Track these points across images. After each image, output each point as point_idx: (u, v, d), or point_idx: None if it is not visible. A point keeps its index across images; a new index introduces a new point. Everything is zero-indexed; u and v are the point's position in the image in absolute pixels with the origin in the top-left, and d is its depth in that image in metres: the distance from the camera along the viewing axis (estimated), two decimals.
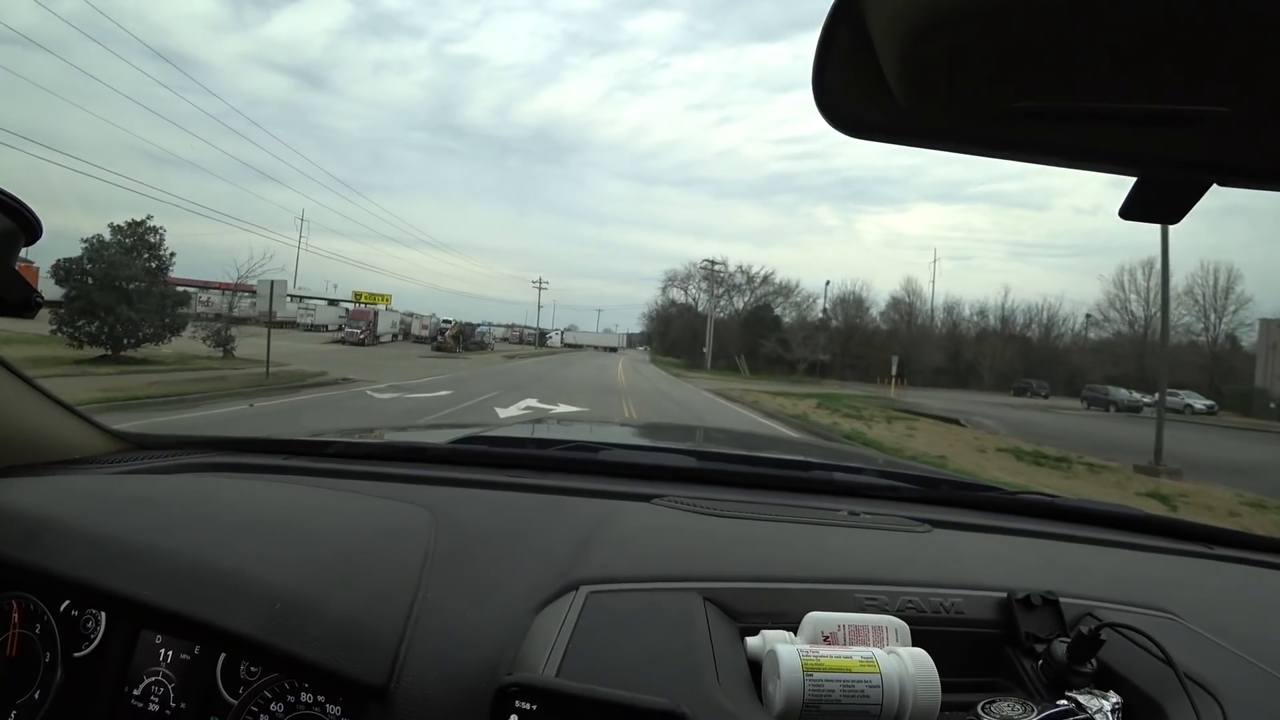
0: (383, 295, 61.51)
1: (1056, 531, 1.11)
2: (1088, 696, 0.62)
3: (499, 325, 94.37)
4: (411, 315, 59.60)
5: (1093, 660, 0.66)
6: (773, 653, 0.61)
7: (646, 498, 1.04)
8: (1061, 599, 0.75)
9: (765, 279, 57.53)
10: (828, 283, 49.83)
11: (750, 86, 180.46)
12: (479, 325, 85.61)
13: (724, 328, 58.73)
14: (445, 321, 53.78)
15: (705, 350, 47.67)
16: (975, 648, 0.72)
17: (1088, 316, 55.16)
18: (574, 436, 1.60)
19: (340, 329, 44.91)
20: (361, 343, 43.51)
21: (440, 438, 1.42)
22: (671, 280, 63.26)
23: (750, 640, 0.66)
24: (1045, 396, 42.62)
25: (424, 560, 0.79)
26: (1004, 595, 0.75)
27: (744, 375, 41.52)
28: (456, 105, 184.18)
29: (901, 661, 0.60)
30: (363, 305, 51.81)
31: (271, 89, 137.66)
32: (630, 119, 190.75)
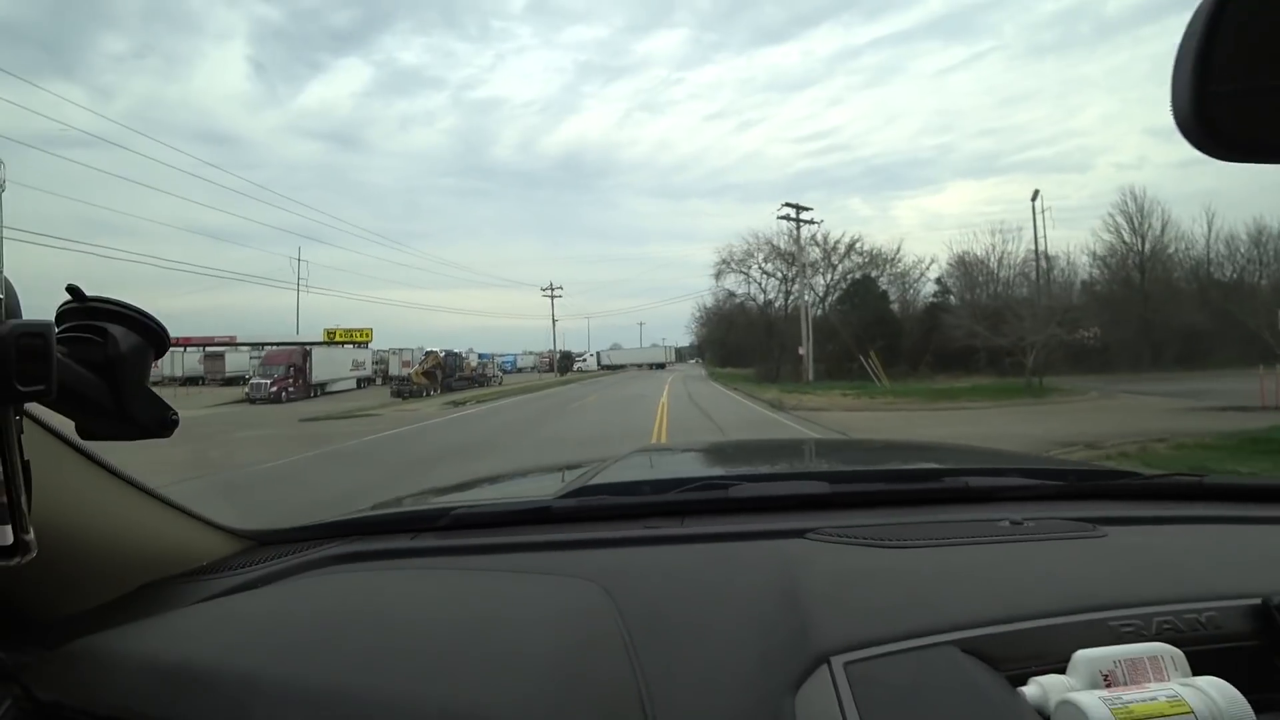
0: (361, 330, 48.22)
1: (1220, 514, 1.08)
2: None
3: (531, 353, 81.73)
4: (390, 352, 45.48)
5: None
6: (1070, 705, 0.56)
7: (799, 533, 0.98)
8: None
9: (852, 247, 40.63)
10: (1036, 194, 25.72)
11: (764, 89, 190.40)
12: (500, 356, 72.28)
13: (796, 324, 42.54)
14: (438, 354, 39.54)
15: (801, 351, 30.60)
16: (1243, 665, 0.67)
17: None
18: (690, 473, 1.53)
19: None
20: (276, 399, 29.39)
21: (544, 489, 1.39)
22: (727, 263, 44.99)
23: (1028, 691, 0.61)
24: None
25: (628, 649, 0.70)
26: (1258, 602, 0.71)
27: (883, 386, 24.79)
28: (482, 147, 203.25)
29: (1208, 697, 0.55)
30: (291, 345, 37.38)
31: (308, 154, 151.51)
32: (651, 137, 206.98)
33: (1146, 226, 38.20)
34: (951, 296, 41.69)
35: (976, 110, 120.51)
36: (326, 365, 35.96)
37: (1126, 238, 38.77)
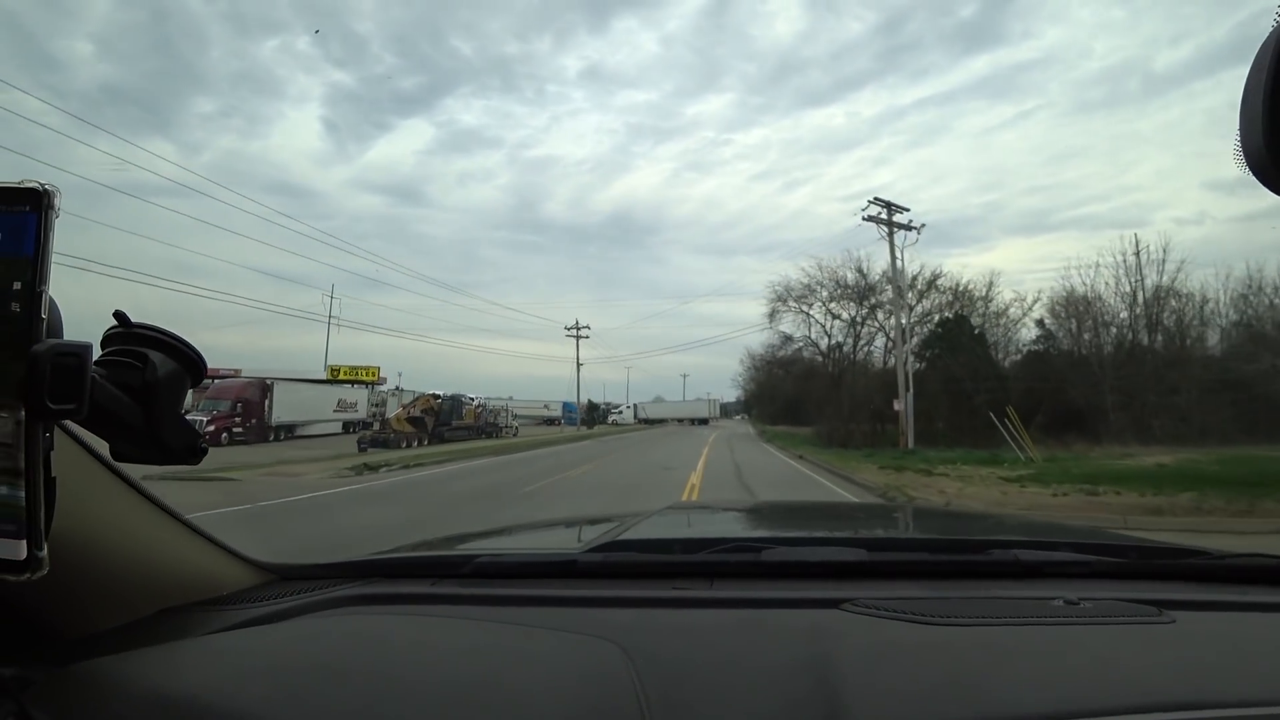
0: (367, 368, 42.84)
1: None
2: None
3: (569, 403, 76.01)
4: (391, 393, 39.71)
5: None
6: None
7: (834, 603, 0.93)
8: None
9: (933, 283, 33.06)
10: None
11: (811, 150, 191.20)
12: (509, 404, 66.27)
13: (867, 373, 34.90)
14: (435, 397, 33.55)
15: (898, 407, 22.41)
16: None
17: None
18: (722, 533, 1.53)
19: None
20: (214, 440, 23.31)
21: (571, 541, 1.40)
22: (784, 300, 36.49)
23: None
24: None
25: (643, 716, 0.66)
26: None
27: (1032, 460, 16.36)
28: (536, 202, 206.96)
29: None
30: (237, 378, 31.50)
31: (371, 207, 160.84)
32: (700, 195, 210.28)
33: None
34: (1054, 342, 33.65)
35: (1024, 168, 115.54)
36: (299, 404, 30.27)
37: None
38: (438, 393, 34.60)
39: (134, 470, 0.76)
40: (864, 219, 24.00)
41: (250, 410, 26.52)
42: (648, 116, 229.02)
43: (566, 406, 62.99)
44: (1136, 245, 31.05)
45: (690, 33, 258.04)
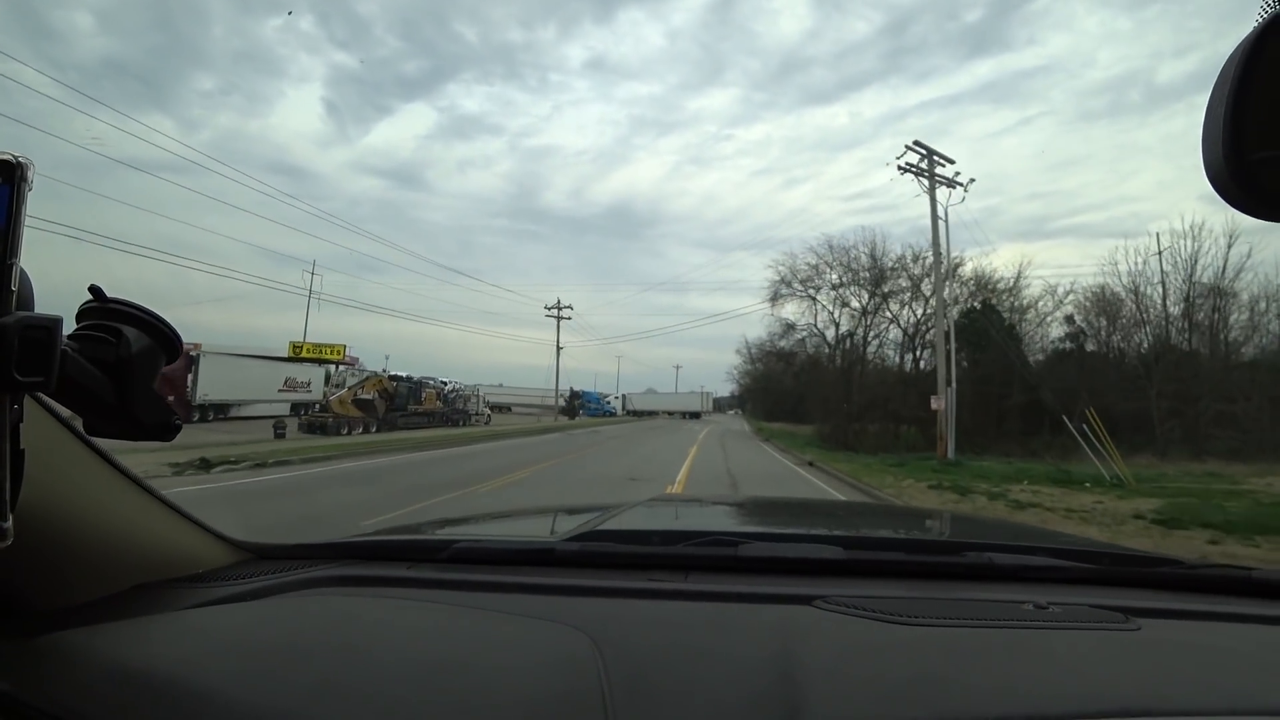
0: (331, 346, 38.91)
1: (1271, 614, 0.98)
2: None
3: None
4: (350, 372, 35.84)
5: None
6: None
7: (806, 599, 0.95)
8: None
9: (955, 271, 29.50)
10: None
11: (812, 148, 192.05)
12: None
13: (879, 368, 31.47)
14: (395, 378, 29.91)
15: (937, 406, 18.14)
16: None
17: None
18: (701, 527, 1.55)
19: None
20: None
21: (547, 529, 1.42)
22: (787, 280, 33.06)
23: None
24: None
25: (606, 709, 0.66)
26: None
27: (1124, 481, 12.57)
28: (535, 191, 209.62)
29: None
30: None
31: (371, 190, 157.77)
32: (699, 190, 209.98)
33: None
34: (1083, 341, 30.22)
35: (1024, 174, 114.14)
36: (235, 381, 26.51)
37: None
38: (398, 374, 31.00)
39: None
40: (901, 167, 20.22)
41: (167, 385, 22.69)
42: (650, 109, 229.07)
43: (588, 396, 59.71)
44: (1166, 239, 27.68)
45: (696, 26, 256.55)
